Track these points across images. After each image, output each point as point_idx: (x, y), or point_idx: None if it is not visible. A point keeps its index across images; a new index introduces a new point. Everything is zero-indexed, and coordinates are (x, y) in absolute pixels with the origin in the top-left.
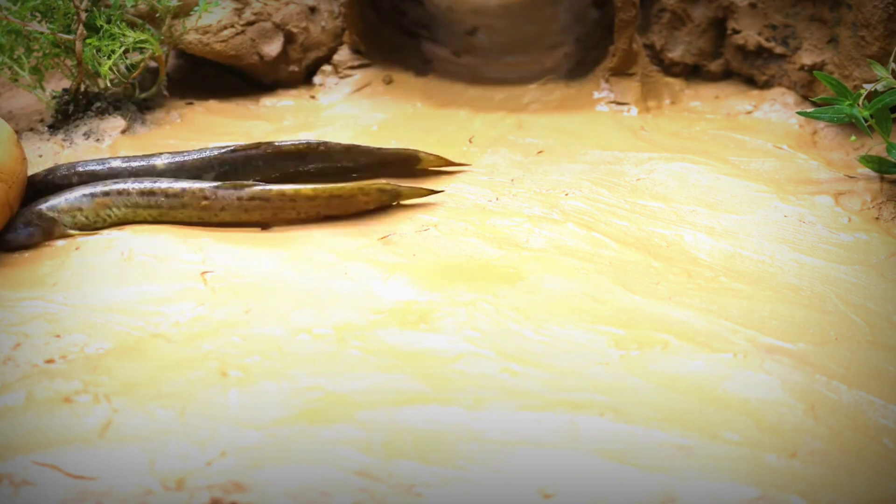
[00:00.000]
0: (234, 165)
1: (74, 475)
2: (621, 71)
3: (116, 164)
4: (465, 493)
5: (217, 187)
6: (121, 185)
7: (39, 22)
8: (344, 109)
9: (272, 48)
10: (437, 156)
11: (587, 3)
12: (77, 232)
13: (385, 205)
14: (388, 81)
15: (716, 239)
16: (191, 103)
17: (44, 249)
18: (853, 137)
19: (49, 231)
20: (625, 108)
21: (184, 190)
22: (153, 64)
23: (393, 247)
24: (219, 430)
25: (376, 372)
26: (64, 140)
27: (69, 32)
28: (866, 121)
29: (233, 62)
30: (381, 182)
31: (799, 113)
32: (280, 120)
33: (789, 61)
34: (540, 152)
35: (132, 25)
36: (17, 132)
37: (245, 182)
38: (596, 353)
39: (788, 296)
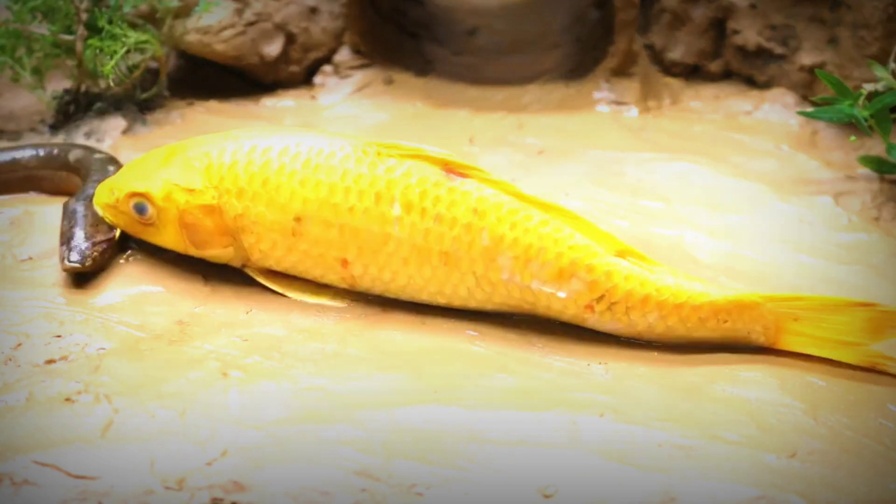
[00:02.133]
0: None
1: (75, 475)
2: (621, 71)
3: None
4: (465, 493)
5: None
6: None
7: (40, 22)
8: (344, 109)
9: (273, 48)
10: None
11: (587, 3)
12: None
13: None
14: (389, 81)
15: (716, 239)
16: (191, 103)
17: (46, 251)
18: (853, 137)
19: None
20: (625, 108)
21: None
22: (154, 64)
23: None
24: (219, 431)
25: (376, 372)
26: (65, 140)
27: (70, 33)
28: (866, 121)
29: (233, 62)
30: None
31: (799, 113)
32: (280, 120)
33: (789, 61)
34: (540, 152)
35: (133, 26)
36: (18, 132)
37: None
38: (596, 352)
39: None
